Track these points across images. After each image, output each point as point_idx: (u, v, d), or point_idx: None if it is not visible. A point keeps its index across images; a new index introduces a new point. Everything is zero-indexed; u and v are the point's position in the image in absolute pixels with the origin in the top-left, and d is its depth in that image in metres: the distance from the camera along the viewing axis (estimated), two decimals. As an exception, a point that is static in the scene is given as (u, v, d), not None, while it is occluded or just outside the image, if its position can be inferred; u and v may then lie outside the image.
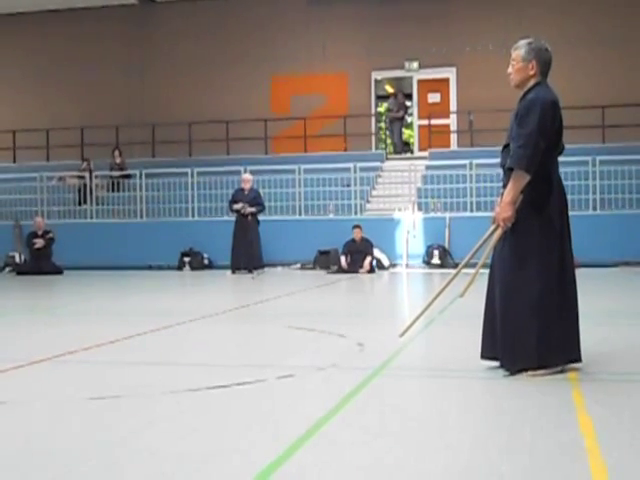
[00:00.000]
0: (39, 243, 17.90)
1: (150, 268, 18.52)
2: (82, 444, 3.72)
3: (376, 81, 23.03)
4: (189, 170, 19.96)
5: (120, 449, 3.65)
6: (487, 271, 5.40)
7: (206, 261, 18.42)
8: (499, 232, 5.20)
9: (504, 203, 5.11)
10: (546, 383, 4.93)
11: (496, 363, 5.27)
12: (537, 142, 5.01)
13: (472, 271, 5.40)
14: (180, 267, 18.29)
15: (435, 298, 5.73)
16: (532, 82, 5.23)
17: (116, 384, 5.16)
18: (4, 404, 4.59)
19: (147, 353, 6.52)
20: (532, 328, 5.04)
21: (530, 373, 5.07)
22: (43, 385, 5.20)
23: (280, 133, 22.54)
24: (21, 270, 18.03)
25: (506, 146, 5.27)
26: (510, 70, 5.30)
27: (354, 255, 16.61)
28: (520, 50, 5.25)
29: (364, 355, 6.12)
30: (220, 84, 23.25)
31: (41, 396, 4.83)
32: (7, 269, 18.97)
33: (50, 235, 18.03)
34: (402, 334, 6.02)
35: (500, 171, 5.44)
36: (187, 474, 3.29)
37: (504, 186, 5.22)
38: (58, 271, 17.52)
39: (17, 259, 19.21)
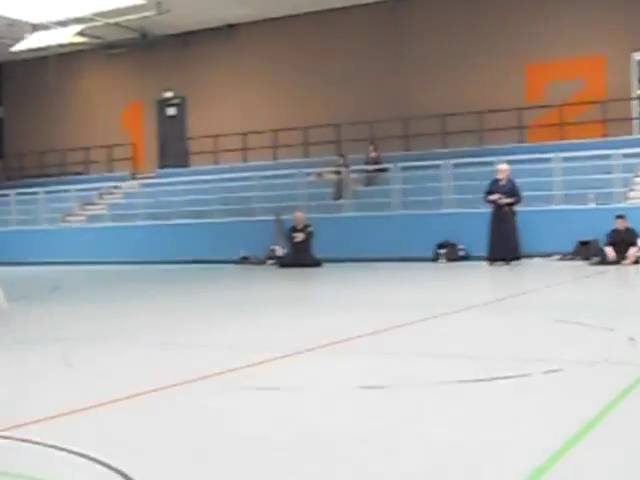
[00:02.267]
0: (299, 237, 18.59)
1: (405, 260, 18.66)
2: (356, 430, 3.81)
3: (638, 63, 21.86)
4: (443, 162, 19.95)
5: (394, 436, 3.70)
6: None
7: (462, 252, 18.32)
8: None
9: None
10: None
11: None
12: None
13: None
14: (435, 259, 18.32)
15: None
16: None
17: (384, 374, 5.24)
18: (278, 390, 4.79)
19: (410, 344, 6.58)
20: None
21: None
22: (314, 373, 5.38)
23: (535, 121, 22.00)
24: (283, 263, 18.81)
25: None
26: None
27: (617, 246, 15.88)
28: None
29: (636, 350, 5.83)
30: (473, 75, 23.03)
31: (312, 384, 5.00)
32: (269, 262, 19.86)
33: (309, 229, 18.67)
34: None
35: None
36: (461, 465, 3.28)
37: None
38: (317, 263, 18.11)
39: (278, 252, 20.07)
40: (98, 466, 3.28)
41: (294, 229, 18.80)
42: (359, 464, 3.31)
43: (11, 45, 26.87)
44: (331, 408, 4.34)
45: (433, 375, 5.12)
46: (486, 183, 17.25)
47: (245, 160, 25.85)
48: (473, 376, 4.98)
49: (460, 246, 18.38)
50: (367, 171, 21.64)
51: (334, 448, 3.53)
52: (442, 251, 18.38)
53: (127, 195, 25.70)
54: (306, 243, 18.53)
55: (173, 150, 27.94)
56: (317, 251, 18.47)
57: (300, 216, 19.00)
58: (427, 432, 3.76)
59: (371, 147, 22.13)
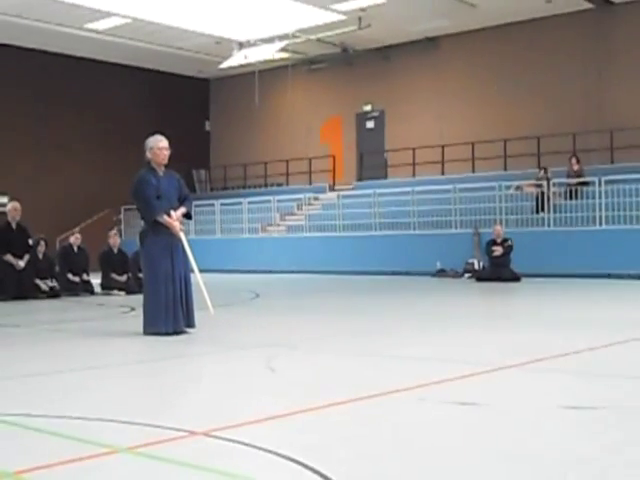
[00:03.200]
0: (498, 251, 18.27)
1: (609, 277, 17.99)
2: (561, 453, 3.68)
3: None
4: (651, 175, 19.07)
5: (603, 461, 3.54)
6: None
7: (672, 270, 17.45)
8: None
9: None
10: None
11: None
12: None
13: None
14: (644, 276, 17.54)
15: None
16: None
17: (588, 395, 5.05)
18: (479, 405, 4.72)
19: (616, 365, 6.28)
20: None
21: None
22: (513, 390, 5.26)
23: None
24: (480, 277, 18.56)
25: None
26: None
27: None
28: None
29: None
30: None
31: (513, 401, 4.89)
32: (466, 275, 19.66)
33: (509, 243, 18.31)
34: None
35: None
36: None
37: None
38: (516, 278, 17.72)
39: (476, 266, 19.84)
40: (307, 471, 3.35)
41: (493, 243, 18.50)
42: (567, 487, 3.20)
43: (218, 62, 28.11)
44: (535, 428, 4.22)
45: (643, 398, 4.89)
46: None
47: (443, 172, 25.76)
48: (688, 401, 4.71)
49: (670, 263, 17.49)
50: (569, 184, 20.99)
51: (541, 470, 3.43)
52: (650, 268, 17.55)
53: (325, 206, 26.20)
54: (505, 257, 18.19)
55: (371, 162, 28.25)
56: (516, 265, 18.08)
57: (499, 229, 18.68)
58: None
59: (574, 159, 21.46)
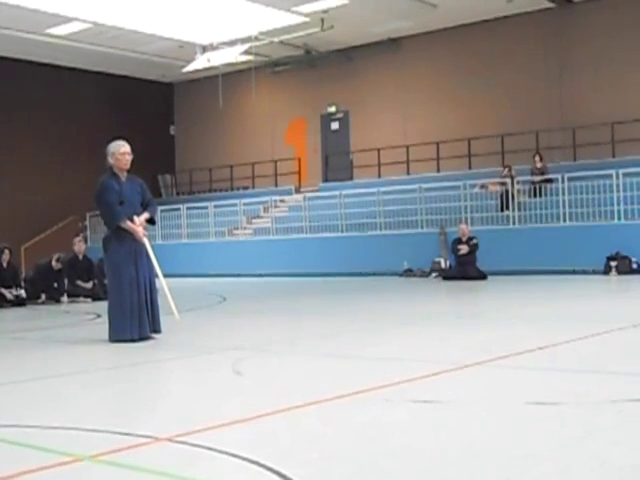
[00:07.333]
0: (464, 249, 18.38)
1: (574, 272, 18.16)
2: (526, 448, 3.71)
3: None
4: (613, 172, 19.23)
5: (566, 455, 3.58)
6: None
7: (634, 265, 17.61)
8: None
9: None
10: None
11: None
12: None
13: None
14: (606, 272, 17.69)
15: None
16: None
17: (553, 390, 5.09)
18: (445, 403, 4.74)
19: (579, 360, 6.35)
20: None
21: None
22: (482, 387, 5.29)
23: None
24: (447, 275, 18.65)
25: None
26: None
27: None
28: None
29: None
30: (644, 80, 22.21)
31: (477, 398, 4.92)
32: (433, 274, 19.74)
33: (474, 241, 18.43)
34: None
35: None
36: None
37: None
38: (482, 276, 17.84)
39: (442, 265, 19.93)
40: (272, 475, 3.34)
41: (459, 241, 18.61)
42: (530, 482, 3.23)
43: (182, 66, 28.00)
44: (500, 424, 4.25)
45: (605, 392, 4.93)
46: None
47: (408, 172, 25.85)
48: (649, 394, 4.77)
49: (633, 259, 17.67)
50: (533, 182, 21.16)
51: (505, 466, 3.45)
52: (613, 264, 17.74)
53: (292, 208, 26.18)
54: (471, 256, 18.30)
55: (336, 164, 28.29)
56: (482, 264, 18.20)
57: (465, 228, 18.80)
58: (601, 452, 3.62)
59: (537, 157, 21.65)
